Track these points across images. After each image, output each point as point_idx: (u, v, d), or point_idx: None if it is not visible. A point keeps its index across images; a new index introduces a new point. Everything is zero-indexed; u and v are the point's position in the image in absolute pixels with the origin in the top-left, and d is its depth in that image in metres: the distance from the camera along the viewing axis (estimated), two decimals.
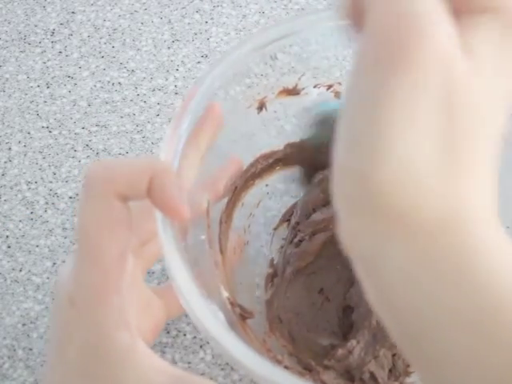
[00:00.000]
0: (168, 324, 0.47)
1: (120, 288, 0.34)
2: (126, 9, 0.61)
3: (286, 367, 0.41)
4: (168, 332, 0.47)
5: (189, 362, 0.46)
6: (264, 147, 0.48)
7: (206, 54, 0.59)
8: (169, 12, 0.61)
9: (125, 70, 0.58)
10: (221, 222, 0.45)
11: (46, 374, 0.36)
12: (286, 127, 0.48)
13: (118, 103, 0.56)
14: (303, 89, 0.47)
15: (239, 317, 0.43)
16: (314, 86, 0.47)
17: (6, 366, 0.46)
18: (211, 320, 0.34)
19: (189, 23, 0.60)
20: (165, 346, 0.46)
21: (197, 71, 0.58)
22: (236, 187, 0.46)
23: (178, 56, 0.59)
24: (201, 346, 0.46)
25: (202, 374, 0.45)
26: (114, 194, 0.34)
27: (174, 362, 0.46)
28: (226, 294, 0.43)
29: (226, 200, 0.46)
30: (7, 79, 0.57)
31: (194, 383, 0.35)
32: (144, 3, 0.61)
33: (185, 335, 0.47)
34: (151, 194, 0.35)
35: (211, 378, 0.45)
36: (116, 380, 0.33)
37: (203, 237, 0.42)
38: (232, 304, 0.42)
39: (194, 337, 0.46)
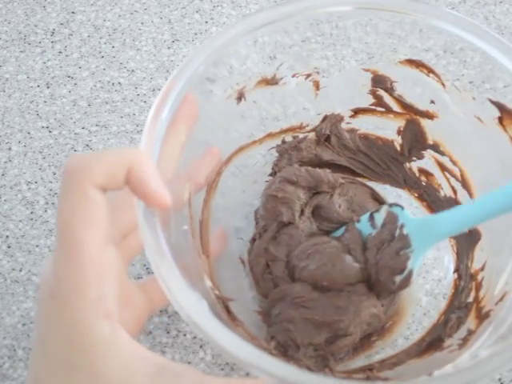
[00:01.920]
0: (168, 324, 0.47)
1: (99, 279, 0.34)
2: (125, 9, 0.61)
3: (271, 354, 0.41)
4: (168, 332, 0.47)
5: (189, 362, 0.46)
6: (244, 138, 0.48)
7: None
8: (169, 12, 0.61)
9: (125, 70, 0.58)
10: (202, 213, 0.46)
11: (30, 369, 0.36)
12: (266, 117, 0.48)
13: (118, 103, 0.56)
14: (281, 78, 0.46)
15: (223, 305, 0.43)
16: (293, 76, 0.47)
17: (6, 366, 0.46)
18: (193, 306, 0.34)
19: (189, 23, 0.60)
20: (165, 346, 0.46)
21: None
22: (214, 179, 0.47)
23: (177, 56, 0.59)
24: (201, 346, 0.46)
25: None
26: (92, 185, 0.34)
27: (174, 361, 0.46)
28: (209, 284, 0.43)
29: (205, 189, 0.46)
30: (7, 79, 0.57)
31: (176, 371, 0.34)
32: (144, 3, 0.61)
33: (185, 335, 0.47)
34: (130, 184, 0.35)
35: None
36: (98, 369, 0.33)
37: (185, 227, 0.42)
38: (216, 293, 0.43)
39: (194, 337, 0.46)
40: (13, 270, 0.48)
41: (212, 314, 0.34)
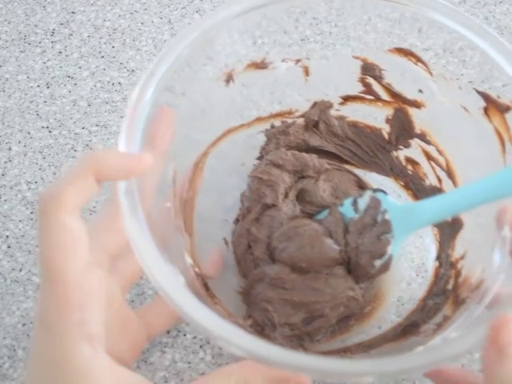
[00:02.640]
0: None
1: (82, 303, 0.35)
2: (125, 9, 0.61)
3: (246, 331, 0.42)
4: (168, 332, 0.47)
5: (189, 362, 0.46)
6: (232, 120, 0.48)
7: None
8: (169, 12, 0.61)
9: (125, 70, 0.58)
10: (187, 192, 0.46)
11: None
12: (255, 101, 0.49)
13: (118, 103, 0.56)
14: (271, 63, 0.47)
15: (202, 282, 0.43)
16: (282, 61, 0.47)
17: (6, 366, 0.46)
18: (169, 280, 0.34)
19: (189, 23, 0.60)
20: (165, 346, 0.46)
21: None
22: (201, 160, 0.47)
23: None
24: (201, 346, 0.46)
25: (202, 374, 0.45)
26: (65, 212, 0.34)
27: (174, 361, 0.46)
28: (189, 261, 0.44)
29: (191, 169, 0.47)
30: (7, 79, 0.57)
31: None
32: (144, 3, 0.61)
33: (185, 335, 0.47)
34: (104, 177, 0.36)
35: None
36: None
37: (168, 204, 0.43)
38: (196, 270, 0.43)
39: (194, 337, 0.46)
40: (13, 270, 0.48)
41: (187, 289, 0.35)
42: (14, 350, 0.46)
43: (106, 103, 0.56)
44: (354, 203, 0.46)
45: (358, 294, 0.44)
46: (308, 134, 0.50)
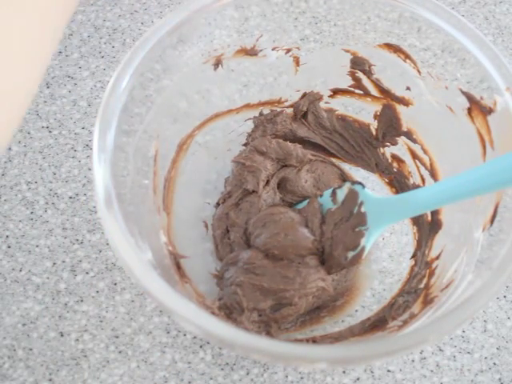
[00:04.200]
0: (168, 324, 0.47)
1: None
2: (125, 9, 0.61)
3: (213, 313, 0.42)
4: (168, 332, 0.47)
5: (189, 362, 0.46)
6: (220, 106, 0.49)
7: None
8: (169, 12, 0.61)
9: None
10: (169, 171, 0.47)
11: None
12: (244, 88, 0.49)
13: None
14: (261, 50, 0.47)
15: (174, 261, 0.44)
16: (273, 49, 0.48)
17: (6, 366, 0.46)
18: (132, 253, 0.35)
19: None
20: (165, 346, 0.46)
21: None
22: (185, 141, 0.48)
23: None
24: (201, 346, 0.46)
25: (202, 374, 0.45)
26: None
27: (174, 361, 0.46)
28: (164, 239, 0.44)
29: (175, 149, 0.47)
30: None
31: None
32: (144, 3, 0.61)
33: (185, 335, 0.47)
34: None
35: (211, 378, 0.45)
36: None
37: (146, 181, 0.43)
38: (169, 249, 0.44)
39: (194, 337, 0.46)
40: (13, 269, 0.48)
41: (150, 264, 0.36)
42: (14, 350, 0.46)
43: None
44: (333, 194, 0.46)
45: (328, 285, 0.44)
46: (296, 125, 0.50)
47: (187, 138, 0.48)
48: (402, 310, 0.44)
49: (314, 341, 0.44)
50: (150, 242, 0.40)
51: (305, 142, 0.50)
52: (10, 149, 0.54)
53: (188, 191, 0.48)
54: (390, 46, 0.46)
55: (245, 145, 0.50)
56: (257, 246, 0.45)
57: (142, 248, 0.38)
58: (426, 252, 0.46)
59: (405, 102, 0.48)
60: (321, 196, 0.47)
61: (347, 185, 0.46)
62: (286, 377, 0.45)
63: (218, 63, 0.46)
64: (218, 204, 0.49)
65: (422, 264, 0.46)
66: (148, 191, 0.44)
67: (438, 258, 0.45)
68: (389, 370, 0.46)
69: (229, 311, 0.44)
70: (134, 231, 0.38)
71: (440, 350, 0.47)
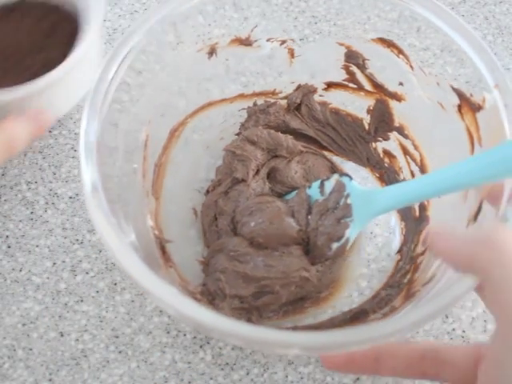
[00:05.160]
0: (168, 324, 0.47)
1: None
2: (125, 9, 0.61)
3: (195, 298, 0.43)
4: (168, 332, 0.47)
5: (189, 362, 0.46)
6: (214, 94, 0.49)
7: None
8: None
9: None
10: (160, 157, 0.47)
11: None
12: (238, 78, 0.49)
13: None
14: (256, 41, 0.48)
15: (160, 245, 0.45)
16: (267, 40, 0.48)
17: (6, 366, 0.45)
18: (114, 234, 0.36)
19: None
20: (165, 346, 0.46)
21: None
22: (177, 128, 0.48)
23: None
24: (201, 346, 0.46)
25: (202, 374, 0.45)
26: None
27: (174, 361, 0.46)
28: (150, 223, 0.45)
29: (167, 136, 0.48)
30: None
31: None
32: (144, 3, 0.61)
33: (185, 335, 0.47)
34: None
35: (211, 378, 0.45)
36: None
37: (135, 165, 0.44)
38: (155, 233, 0.45)
39: (194, 337, 0.46)
40: (13, 269, 0.48)
41: (130, 246, 0.37)
42: (14, 350, 0.46)
43: None
44: (321, 186, 0.47)
45: (312, 275, 0.45)
46: (289, 116, 0.51)
47: (179, 126, 0.49)
48: (384, 303, 0.44)
49: (294, 329, 0.44)
50: (136, 226, 0.41)
51: (297, 134, 0.51)
52: None
53: (178, 178, 0.49)
54: (383, 41, 0.46)
55: (237, 134, 0.51)
56: (243, 233, 0.46)
57: (126, 230, 0.39)
58: (412, 247, 0.46)
59: (397, 98, 0.48)
60: (309, 187, 0.47)
61: (335, 176, 0.46)
62: (286, 377, 0.45)
63: (212, 52, 0.47)
64: (207, 191, 0.50)
65: (408, 259, 0.46)
66: (137, 176, 0.44)
67: (423, 253, 0.45)
68: None
69: (211, 297, 0.44)
70: (119, 214, 0.39)
71: None
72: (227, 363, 0.46)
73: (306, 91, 0.50)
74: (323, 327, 0.44)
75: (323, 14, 0.47)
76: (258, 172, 0.49)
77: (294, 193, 0.48)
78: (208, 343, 0.46)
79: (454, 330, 0.47)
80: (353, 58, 0.48)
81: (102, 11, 0.47)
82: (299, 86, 0.50)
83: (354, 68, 0.48)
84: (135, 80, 0.43)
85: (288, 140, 0.49)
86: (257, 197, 0.48)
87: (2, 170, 0.53)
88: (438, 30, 0.43)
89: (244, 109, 0.51)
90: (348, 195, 0.45)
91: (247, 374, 0.45)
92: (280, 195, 0.49)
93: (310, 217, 0.46)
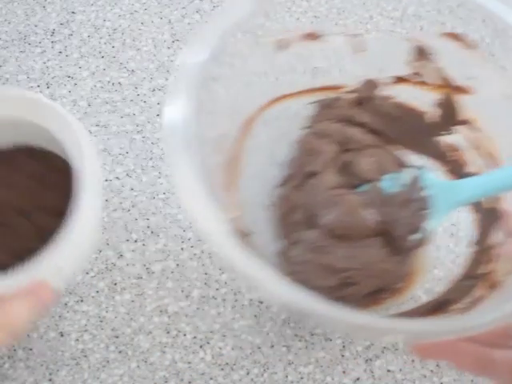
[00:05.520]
0: (168, 324, 0.47)
1: None
2: (126, 9, 0.61)
3: None
4: (168, 332, 0.47)
5: (189, 362, 0.46)
6: (283, 88, 0.49)
7: None
8: (169, 12, 0.61)
9: (125, 70, 0.58)
10: (234, 150, 0.47)
11: None
12: (307, 72, 0.49)
13: (118, 103, 0.56)
14: (325, 35, 0.48)
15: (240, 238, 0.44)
16: (336, 34, 0.48)
17: (6, 366, 0.46)
18: (217, 226, 0.35)
19: (189, 23, 0.60)
20: (165, 346, 0.46)
21: None
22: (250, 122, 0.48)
23: (178, 56, 0.59)
24: (201, 346, 0.46)
25: (202, 374, 0.45)
26: None
27: (174, 361, 0.46)
28: (230, 216, 0.44)
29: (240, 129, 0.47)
30: (7, 79, 0.57)
31: None
32: (144, 3, 0.61)
33: (185, 335, 0.47)
34: None
35: (211, 378, 0.45)
36: None
37: (218, 158, 0.44)
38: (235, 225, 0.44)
39: (194, 337, 0.46)
40: None
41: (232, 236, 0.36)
42: (14, 350, 0.46)
43: (106, 103, 0.56)
44: (395, 179, 0.47)
45: (392, 267, 0.45)
46: (355, 110, 0.51)
47: (251, 120, 0.48)
48: (466, 292, 0.44)
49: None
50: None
51: (365, 127, 0.51)
52: None
53: (251, 171, 0.48)
54: (453, 36, 0.46)
55: (306, 128, 0.50)
56: (321, 226, 0.46)
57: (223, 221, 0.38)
58: (490, 237, 0.46)
59: (465, 91, 0.48)
60: (382, 180, 0.47)
61: (410, 169, 0.47)
62: (286, 377, 0.45)
63: (283, 46, 0.47)
64: (280, 185, 0.49)
65: (486, 249, 0.46)
66: (219, 167, 0.44)
67: (502, 242, 0.45)
68: (389, 370, 0.46)
69: None
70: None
71: None
72: (227, 363, 0.46)
73: (372, 85, 0.50)
74: (406, 316, 0.44)
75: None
76: (329, 166, 0.49)
77: (366, 186, 0.48)
78: (208, 343, 0.46)
79: None
80: (421, 52, 0.48)
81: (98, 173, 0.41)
82: (365, 81, 0.50)
83: (421, 62, 0.48)
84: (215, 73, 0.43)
85: (357, 134, 0.49)
86: (331, 190, 0.47)
87: None
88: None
89: (312, 103, 0.50)
90: (425, 187, 0.45)
91: (247, 373, 0.45)
92: (352, 188, 0.49)
93: (386, 209, 0.46)
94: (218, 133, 0.44)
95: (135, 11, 0.61)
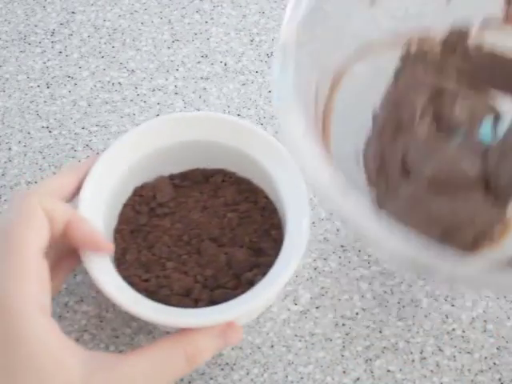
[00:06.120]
0: None
1: (39, 277, 0.36)
2: (126, 9, 0.61)
3: None
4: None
5: None
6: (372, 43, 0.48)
7: (205, 54, 0.59)
8: (169, 12, 0.61)
9: (125, 70, 0.58)
10: (325, 105, 0.46)
11: None
12: (394, 25, 0.48)
13: (118, 103, 0.56)
14: None
15: None
16: None
17: None
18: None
19: (189, 23, 0.60)
20: None
21: (197, 71, 0.58)
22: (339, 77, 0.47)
23: (177, 56, 0.59)
24: None
25: (202, 374, 0.45)
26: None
27: None
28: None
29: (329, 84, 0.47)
30: (7, 79, 0.57)
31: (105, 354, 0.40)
32: (144, 3, 0.61)
33: None
34: (70, 236, 0.40)
35: (211, 378, 0.45)
36: (35, 365, 0.35)
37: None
38: None
39: None
40: None
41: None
42: None
43: (106, 103, 0.56)
44: (493, 126, 0.46)
45: (494, 216, 0.44)
46: (447, 60, 0.49)
47: (340, 73, 0.47)
48: None
49: None
50: None
51: (457, 77, 0.49)
52: (9, 149, 0.54)
53: (341, 125, 0.47)
54: None
55: (395, 80, 0.49)
56: (419, 178, 0.45)
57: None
58: None
59: None
60: (479, 128, 0.46)
61: (509, 116, 0.45)
62: (286, 377, 0.45)
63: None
64: (370, 140, 0.48)
65: None
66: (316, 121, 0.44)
67: None
68: (389, 370, 0.46)
69: None
70: None
71: (440, 349, 0.47)
72: (227, 363, 0.46)
73: (462, 34, 0.49)
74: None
75: None
76: (421, 116, 0.48)
77: (463, 135, 0.47)
78: None
79: (453, 330, 0.47)
80: None
81: None
82: (454, 29, 0.49)
83: None
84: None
85: (449, 83, 0.48)
86: (427, 141, 0.47)
87: (2, 170, 0.53)
88: None
89: (402, 55, 0.49)
90: None
91: (247, 373, 0.45)
92: (448, 139, 0.48)
93: (487, 158, 0.45)
94: (313, 89, 0.44)
95: (135, 11, 0.61)
